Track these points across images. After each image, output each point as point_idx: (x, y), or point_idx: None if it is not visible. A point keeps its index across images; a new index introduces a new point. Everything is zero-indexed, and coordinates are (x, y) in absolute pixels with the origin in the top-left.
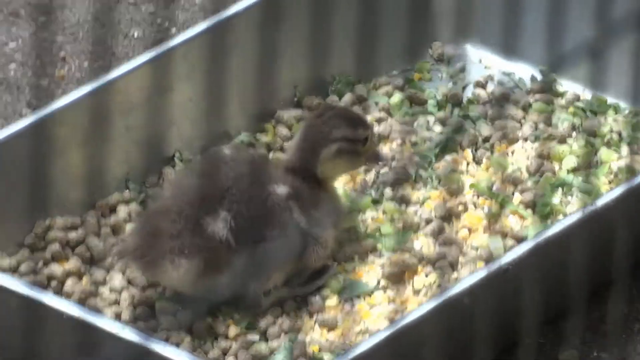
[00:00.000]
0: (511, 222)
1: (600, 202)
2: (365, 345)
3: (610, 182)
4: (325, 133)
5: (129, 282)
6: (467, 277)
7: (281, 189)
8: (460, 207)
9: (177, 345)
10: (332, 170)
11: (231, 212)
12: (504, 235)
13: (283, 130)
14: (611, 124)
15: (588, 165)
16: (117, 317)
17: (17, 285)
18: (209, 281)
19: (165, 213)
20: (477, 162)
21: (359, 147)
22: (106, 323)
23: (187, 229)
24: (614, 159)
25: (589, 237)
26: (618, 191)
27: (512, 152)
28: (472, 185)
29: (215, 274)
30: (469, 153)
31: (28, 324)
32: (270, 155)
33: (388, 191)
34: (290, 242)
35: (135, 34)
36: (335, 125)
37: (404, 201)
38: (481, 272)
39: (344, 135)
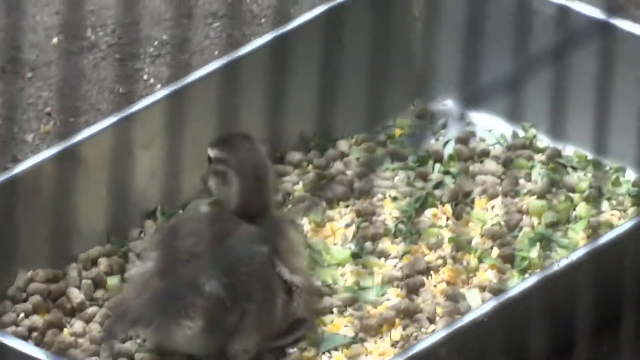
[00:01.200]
0: (489, 276)
1: (574, 256)
2: None
3: (588, 237)
4: (256, 161)
5: (108, 334)
6: (443, 329)
7: (264, 247)
8: (439, 261)
9: None
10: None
11: (223, 270)
12: (482, 288)
13: None
14: (590, 179)
15: (567, 220)
16: None
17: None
18: (206, 340)
19: (161, 275)
20: (457, 217)
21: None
22: None
23: (186, 290)
24: (592, 215)
25: (561, 291)
26: (589, 247)
27: (492, 207)
28: (450, 240)
29: (212, 332)
30: (448, 208)
31: None
32: None
33: (368, 245)
34: (279, 299)
35: (121, 90)
36: (255, 149)
37: (384, 255)
38: (457, 323)
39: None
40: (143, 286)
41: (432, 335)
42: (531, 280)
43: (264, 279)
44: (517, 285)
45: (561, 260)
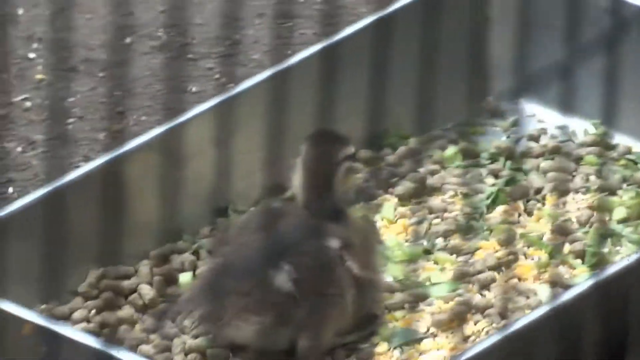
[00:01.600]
0: (560, 271)
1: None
2: None
3: None
4: (331, 158)
5: (181, 330)
6: (512, 323)
7: (334, 242)
8: (511, 257)
9: None
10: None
11: (292, 265)
12: (554, 284)
13: None
14: None
15: (637, 216)
16: None
17: (72, 332)
18: (275, 335)
19: (229, 270)
20: (529, 213)
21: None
22: None
23: (255, 285)
24: None
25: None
26: None
27: (563, 204)
28: (522, 236)
29: (281, 328)
30: (520, 205)
31: None
32: None
33: (440, 241)
34: (348, 294)
35: (194, 89)
36: (334, 148)
37: (455, 251)
38: (526, 319)
39: (346, 154)
40: (210, 282)
41: (503, 329)
42: (605, 273)
43: (333, 273)
44: (591, 277)
45: (632, 254)
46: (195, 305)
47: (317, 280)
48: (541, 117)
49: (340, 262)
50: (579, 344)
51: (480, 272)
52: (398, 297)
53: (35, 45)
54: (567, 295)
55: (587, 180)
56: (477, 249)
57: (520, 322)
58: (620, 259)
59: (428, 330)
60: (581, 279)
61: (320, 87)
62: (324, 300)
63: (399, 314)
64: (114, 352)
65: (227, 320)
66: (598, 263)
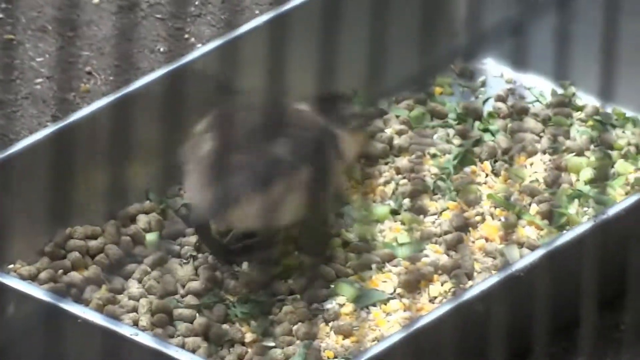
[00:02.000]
0: (527, 232)
1: (612, 211)
2: (379, 348)
3: (626, 194)
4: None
5: (147, 290)
6: (480, 284)
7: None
8: (478, 218)
9: (193, 351)
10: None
11: (289, 137)
12: (521, 245)
13: None
14: (629, 136)
15: (605, 177)
16: (135, 324)
17: (36, 291)
18: (280, 209)
19: (227, 151)
20: (496, 174)
21: None
22: (123, 329)
23: (256, 159)
24: (630, 171)
25: (601, 245)
26: (630, 200)
27: (531, 164)
28: (489, 196)
29: (285, 200)
30: (487, 165)
31: (47, 329)
32: None
33: (406, 202)
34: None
35: (162, 49)
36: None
37: (422, 212)
38: (494, 279)
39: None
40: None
41: (471, 290)
42: (570, 234)
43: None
44: (558, 239)
45: (598, 215)
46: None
47: (311, 153)
48: (509, 78)
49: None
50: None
51: (447, 232)
52: (365, 257)
53: (3, 6)
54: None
55: (555, 141)
56: (444, 209)
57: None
58: (587, 219)
59: (395, 291)
60: (548, 239)
61: (282, 49)
62: (319, 171)
63: (366, 274)
64: (80, 313)
65: (235, 199)
66: (566, 224)
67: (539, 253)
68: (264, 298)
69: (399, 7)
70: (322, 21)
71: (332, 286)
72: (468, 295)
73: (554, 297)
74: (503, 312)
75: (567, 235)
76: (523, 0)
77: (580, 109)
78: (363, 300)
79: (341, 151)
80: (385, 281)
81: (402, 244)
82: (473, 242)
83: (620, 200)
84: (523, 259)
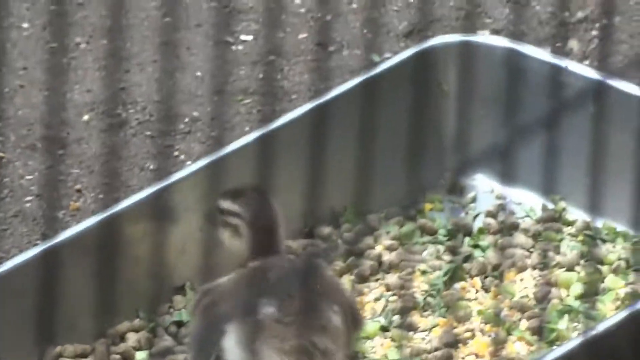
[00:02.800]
0: (517, 348)
1: (602, 326)
2: None
3: (617, 309)
4: (268, 214)
5: None
6: None
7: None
8: (468, 334)
9: None
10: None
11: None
12: None
13: None
14: (619, 251)
15: (595, 292)
16: None
17: None
18: None
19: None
20: (486, 290)
21: None
22: None
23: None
24: (621, 286)
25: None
26: (620, 315)
27: (521, 280)
28: (479, 312)
29: None
30: (477, 281)
31: None
32: None
33: (396, 318)
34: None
35: (151, 166)
36: (266, 202)
37: (412, 328)
38: None
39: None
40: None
41: None
42: (559, 350)
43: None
44: (546, 356)
45: (587, 330)
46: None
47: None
48: (499, 193)
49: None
50: None
51: (437, 349)
52: None
53: None
54: None
55: (545, 256)
56: (434, 325)
57: None
58: (577, 335)
59: None
60: (538, 355)
61: (272, 165)
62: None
63: None
64: None
65: None
66: (556, 339)
67: None
68: None
69: (388, 124)
70: (310, 138)
71: None
72: None
73: None
74: None
75: (557, 351)
76: (511, 117)
77: (570, 223)
78: None
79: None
80: None
81: None
82: (463, 358)
83: (610, 316)
84: None
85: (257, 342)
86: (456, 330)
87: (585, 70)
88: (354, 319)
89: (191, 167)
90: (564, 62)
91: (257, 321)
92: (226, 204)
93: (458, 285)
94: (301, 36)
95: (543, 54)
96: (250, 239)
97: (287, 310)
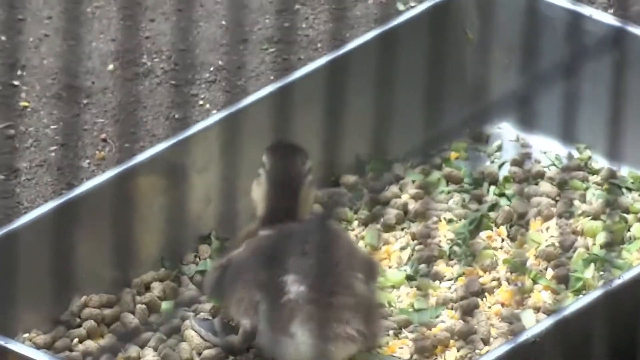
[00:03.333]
0: (544, 297)
1: (628, 275)
2: None
3: None
4: (298, 169)
5: (163, 358)
6: (496, 349)
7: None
8: (494, 283)
9: None
10: (307, 207)
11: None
12: (537, 310)
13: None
14: None
15: (621, 241)
16: None
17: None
18: None
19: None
20: (512, 238)
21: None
22: None
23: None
24: None
25: (616, 310)
26: None
27: (547, 229)
28: (505, 261)
29: None
30: (503, 230)
31: None
32: None
33: (422, 267)
34: None
35: (176, 116)
36: (300, 159)
37: (438, 277)
38: (508, 344)
39: (307, 168)
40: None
41: (486, 356)
42: (585, 299)
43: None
44: (571, 304)
45: (614, 279)
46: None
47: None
48: (525, 142)
49: None
50: None
51: (463, 298)
52: (382, 323)
53: (19, 72)
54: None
55: (572, 205)
56: (460, 275)
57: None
58: (603, 284)
59: (412, 357)
60: (564, 304)
61: (298, 115)
62: None
63: (383, 340)
64: None
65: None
66: (582, 288)
67: (555, 318)
68: None
69: (410, 73)
70: (332, 88)
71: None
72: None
73: None
74: None
75: (583, 300)
76: (534, 65)
77: (596, 172)
78: None
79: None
80: (402, 347)
81: (418, 310)
82: (489, 307)
83: (636, 264)
84: (538, 324)
85: (291, 325)
86: (482, 279)
87: (607, 18)
88: (372, 273)
89: (215, 117)
90: (587, 11)
91: (289, 301)
92: (264, 154)
93: (484, 234)
94: None
95: (564, 1)
96: (269, 193)
97: (316, 288)
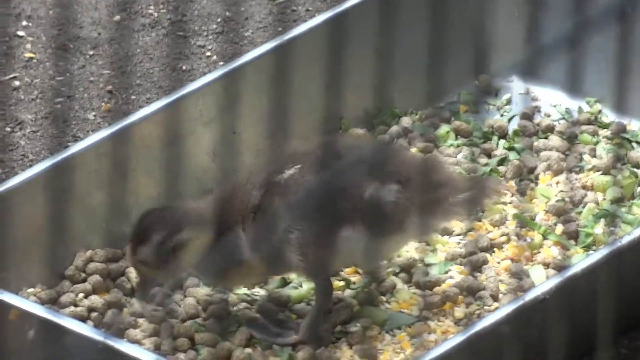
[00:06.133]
0: (553, 252)
1: (638, 231)
2: None
3: None
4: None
5: (168, 313)
6: (504, 307)
7: None
8: (503, 238)
9: None
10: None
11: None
12: (546, 265)
13: None
14: None
15: (631, 196)
16: (157, 348)
17: (53, 316)
18: None
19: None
20: (521, 193)
21: None
22: (145, 354)
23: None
24: None
25: (625, 267)
26: None
27: (557, 183)
28: (514, 216)
29: None
30: (513, 184)
31: (67, 355)
32: None
33: None
34: None
35: (183, 67)
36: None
37: (447, 232)
38: (517, 302)
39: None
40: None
41: (495, 312)
42: (595, 256)
43: None
44: (581, 261)
45: (624, 236)
46: None
47: None
48: (535, 95)
49: None
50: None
51: (472, 253)
52: (391, 279)
53: (24, 23)
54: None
55: (581, 159)
56: (469, 230)
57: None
58: (614, 239)
59: (420, 313)
60: (574, 260)
61: (307, 66)
62: None
63: (391, 296)
64: (101, 338)
65: None
66: (592, 244)
67: (564, 274)
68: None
69: (418, 24)
70: (337, 40)
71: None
72: (493, 317)
73: (574, 320)
74: (528, 335)
75: (593, 257)
76: (544, 17)
77: (606, 126)
78: (389, 324)
79: None
80: (411, 303)
81: (427, 265)
82: (498, 262)
83: None
84: (548, 281)
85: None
86: (491, 235)
87: None
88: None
89: (220, 70)
90: None
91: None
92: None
93: None
94: None
95: None
96: None
97: (407, 189)
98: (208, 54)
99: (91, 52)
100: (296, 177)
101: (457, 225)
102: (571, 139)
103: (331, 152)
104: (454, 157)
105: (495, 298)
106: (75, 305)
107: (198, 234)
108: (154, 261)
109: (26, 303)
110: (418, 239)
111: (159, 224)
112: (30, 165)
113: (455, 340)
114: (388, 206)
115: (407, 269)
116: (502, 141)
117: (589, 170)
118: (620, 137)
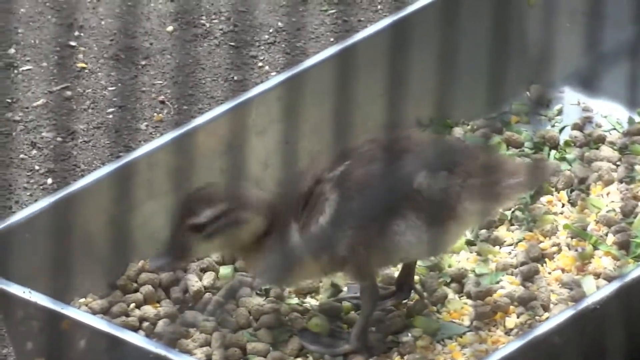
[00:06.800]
0: (604, 263)
1: None
2: None
3: None
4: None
5: (220, 323)
6: (557, 316)
7: None
8: (554, 248)
9: None
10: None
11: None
12: (597, 276)
13: None
14: None
15: None
16: (209, 358)
17: (105, 326)
18: None
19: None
20: (572, 203)
21: None
22: None
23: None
24: None
25: None
26: None
27: (607, 194)
28: (565, 227)
29: None
30: (564, 195)
31: None
32: None
33: (483, 232)
34: None
35: (235, 77)
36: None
37: (498, 242)
38: (569, 311)
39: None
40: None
41: (546, 322)
42: None
43: None
44: (632, 271)
45: None
46: None
47: None
48: (586, 106)
49: None
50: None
51: (523, 263)
52: (442, 289)
53: (77, 33)
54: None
55: (632, 169)
56: (520, 240)
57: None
58: None
59: (471, 323)
60: (625, 270)
61: (359, 78)
62: None
63: (442, 306)
64: (153, 348)
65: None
66: None
67: (616, 285)
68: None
69: (472, 36)
70: (393, 50)
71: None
72: (544, 327)
73: (627, 330)
74: (579, 345)
75: None
76: (597, 29)
77: None
78: (440, 334)
79: None
80: (462, 313)
81: (478, 275)
82: (549, 273)
83: None
84: (599, 291)
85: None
86: (542, 245)
87: None
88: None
89: (275, 79)
90: None
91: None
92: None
93: (544, 199)
94: None
95: None
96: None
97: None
98: (260, 64)
99: (143, 63)
100: (347, 172)
101: (508, 235)
102: (622, 149)
103: (393, 147)
104: None
105: (546, 308)
106: (127, 316)
107: (255, 219)
108: (207, 229)
109: (78, 313)
110: (475, 225)
111: (226, 195)
112: (82, 176)
113: (507, 349)
114: (438, 193)
115: (459, 279)
116: (553, 152)
117: None
118: None
